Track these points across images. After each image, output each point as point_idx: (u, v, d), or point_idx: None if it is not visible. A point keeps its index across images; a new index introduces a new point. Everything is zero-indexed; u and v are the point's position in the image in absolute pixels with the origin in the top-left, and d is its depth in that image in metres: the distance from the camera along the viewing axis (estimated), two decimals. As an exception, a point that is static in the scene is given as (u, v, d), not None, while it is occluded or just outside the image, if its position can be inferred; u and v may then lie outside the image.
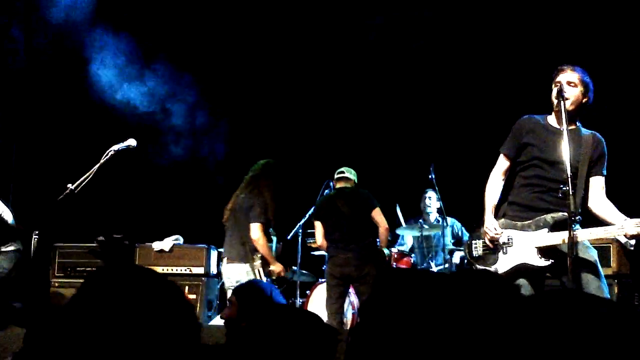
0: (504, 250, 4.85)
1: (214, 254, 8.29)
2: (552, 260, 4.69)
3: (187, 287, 7.90)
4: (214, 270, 8.25)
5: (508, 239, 4.85)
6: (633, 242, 6.73)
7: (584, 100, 4.84)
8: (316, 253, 8.33)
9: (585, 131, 4.96)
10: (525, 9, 8.76)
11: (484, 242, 4.94)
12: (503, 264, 4.84)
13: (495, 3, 8.98)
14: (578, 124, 4.95)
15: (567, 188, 4.49)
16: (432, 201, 8.49)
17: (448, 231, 8.25)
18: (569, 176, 4.50)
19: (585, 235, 4.62)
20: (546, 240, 4.71)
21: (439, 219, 8.38)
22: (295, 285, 8.20)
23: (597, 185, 4.86)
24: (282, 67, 9.82)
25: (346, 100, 9.79)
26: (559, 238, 4.63)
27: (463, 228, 8.42)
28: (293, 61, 9.78)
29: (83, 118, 9.25)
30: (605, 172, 4.90)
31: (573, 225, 4.43)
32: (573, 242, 4.41)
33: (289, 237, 8.32)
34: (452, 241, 8.29)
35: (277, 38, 9.68)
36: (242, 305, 4.15)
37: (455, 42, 9.17)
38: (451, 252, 8.11)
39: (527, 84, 7.16)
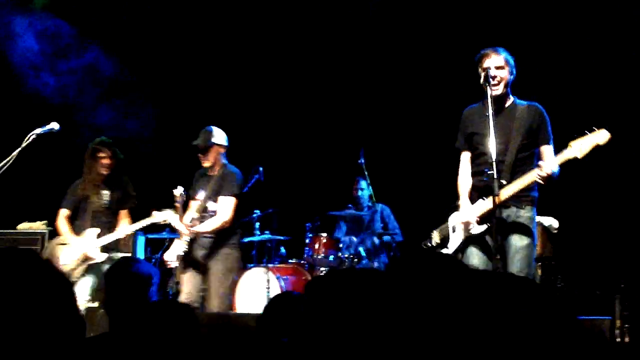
0: (453, 230, 5.24)
1: (141, 239, 8.17)
2: (489, 224, 4.94)
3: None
4: (141, 255, 8.12)
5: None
6: (557, 225, 6.92)
7: (511, 77, 5.08)
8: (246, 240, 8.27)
9: (520, 103, 5.15)
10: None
11: (438, 231, 5.36)
12: (454, 242, 5.21)
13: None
14: (513, 97, 5.16)
15: (492, 172, 4.72)
16: (363, 187, 8.52)
17: (378, 216, 8.35)
18: (494, 160, 4.72)
19: (509, 191, 4.86)
20: (481, 207, 5.03)
21: (369, 204, 8.43)
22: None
23: (546, 153, 5.01)
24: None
25: (273, 83, 9.72)
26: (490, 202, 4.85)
27: (392, 215, 8.49)
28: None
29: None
30: (550, 140, 5.06)
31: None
32: (495, 204, 4.71)
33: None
34: (381, 226, 8.35)
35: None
36: None
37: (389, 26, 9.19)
38: (380, 236, 8.17)
39: (458, 68, 7.22)
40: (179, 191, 6.43)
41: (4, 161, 5.51)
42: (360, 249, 7.97)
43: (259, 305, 6.43)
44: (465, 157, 5.33)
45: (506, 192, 4.85)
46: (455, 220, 5.25)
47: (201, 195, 6.70)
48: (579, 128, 4.76)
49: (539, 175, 4.74)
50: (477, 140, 5.16)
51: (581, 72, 7.95)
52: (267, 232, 8.09)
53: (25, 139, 5.72)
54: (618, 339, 5.55)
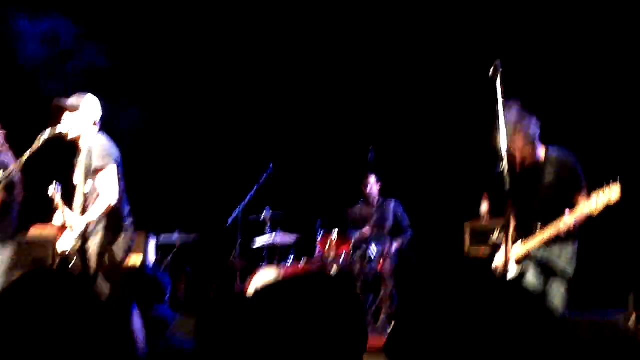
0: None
1: (152, 242, 8.19)
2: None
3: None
4: (152, 258, 8.14)
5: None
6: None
7: (532, 138, 5.22)
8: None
9: (552, 153, 5.29)
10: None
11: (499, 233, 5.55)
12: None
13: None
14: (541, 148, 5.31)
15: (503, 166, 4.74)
16: (373, 184, 8.46)
17: (389, 214, 8.29)
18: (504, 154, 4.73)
19: (533, 243, 5.14)
20: (517, 250, 5.26)
21: (381, 200, 8.39)
22: (235, 272, 8.18)
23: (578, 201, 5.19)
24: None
25: (284, 82, 9.71)
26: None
27: (404, 212, 8.43)
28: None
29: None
30: (582, 188, 5.16)
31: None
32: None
33: (228, 224, 8.21)
34: (393, 223, 8.30)
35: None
36: None
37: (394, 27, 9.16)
38: (390, 234, 8.13)
39: (465, 70, 7.19)
40: (52, 189, 5.45)
41: (12, 167, 5.45)
42: (372, 246, 7.91)
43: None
44: None
45: (531, 244, 5.15)
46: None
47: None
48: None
49: (562, 229, 5.01)
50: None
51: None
52: (278, 230, 8.07)
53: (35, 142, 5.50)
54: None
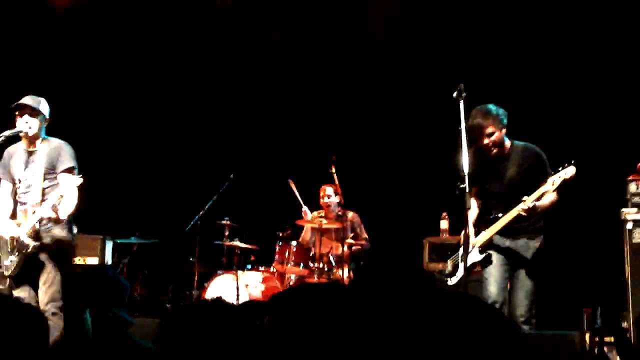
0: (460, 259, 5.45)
1: (109, 245, 8.14)
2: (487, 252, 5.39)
3: (81, 278, 7.71)
4: (108, 261, 8.09)
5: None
6: None
7: (504, 131, 5.41)
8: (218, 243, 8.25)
9: (517, 145, 5.49)
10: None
11: (451, 261, 5.63)
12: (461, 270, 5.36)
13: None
14: (509, 141, 5.50)
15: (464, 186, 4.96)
16: (331, 195, 8.47)
17: (348, 224, 8.30)
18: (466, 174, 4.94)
19: (498, 225, 5.32)
20: (482, 237, 5.43)
21: (339, 213, 8.38)
22: (193, 276, 8.18)
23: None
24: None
25: (249, 94, 9.74)
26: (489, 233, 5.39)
27: (361, 223, 8.47)
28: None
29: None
30: (545, 177, 5.26)
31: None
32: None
33: (187, 229, 8.20)
34: (352, 235, 8.32)
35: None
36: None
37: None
38: (350, 246, 8.14)
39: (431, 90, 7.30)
40: None
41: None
42: (330, 257, 7.96)
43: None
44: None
45: (497, 226, 5.32)
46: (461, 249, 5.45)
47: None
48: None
49: (522, 209, 5.12)
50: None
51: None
52: (236, 238, 8.08)
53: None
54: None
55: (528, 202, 5.11)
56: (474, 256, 5.37)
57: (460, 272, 5.35)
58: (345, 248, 8.07)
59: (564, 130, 8.00)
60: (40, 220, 5.53)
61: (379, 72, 9.19)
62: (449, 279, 5.58)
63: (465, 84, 5.05)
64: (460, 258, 5.42)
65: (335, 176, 8.02)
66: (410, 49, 8.97)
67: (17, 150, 5.86)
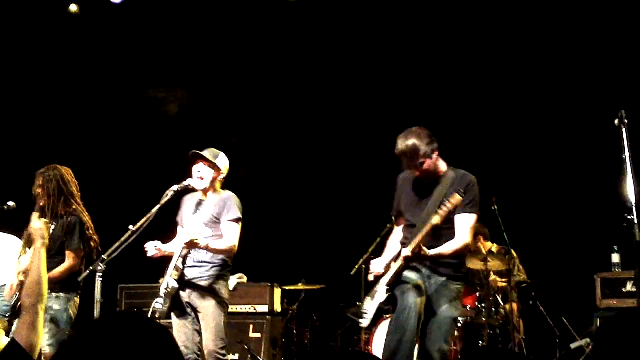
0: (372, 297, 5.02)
1: (277, 292, 8.32)
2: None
3: (251, 326, 7.93)
4: (278, 308, 8.26)
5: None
6: None
7: (433, 157, 5.01)
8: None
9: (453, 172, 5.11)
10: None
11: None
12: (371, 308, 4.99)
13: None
14: (445, 168, 5.14)
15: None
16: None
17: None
18: None
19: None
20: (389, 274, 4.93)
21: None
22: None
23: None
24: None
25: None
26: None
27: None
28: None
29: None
30: (465, 209, 4.95)
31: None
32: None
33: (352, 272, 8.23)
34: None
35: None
36: None
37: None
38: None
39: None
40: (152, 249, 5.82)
41: (145, 217, 5.66)
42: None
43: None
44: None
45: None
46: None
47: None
48: None
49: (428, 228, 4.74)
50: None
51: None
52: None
53: (164, 196, 5.73)
54: None
55: (434, 220, 4.70)
56: (380, 295, 4.94)
57: (371, 313, 4.96)
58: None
59: None
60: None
61: (536, 110, 9.00)
62: (360, 320, 5.09)
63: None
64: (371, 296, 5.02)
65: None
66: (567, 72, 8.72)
67: (192, 198, 6.07)
